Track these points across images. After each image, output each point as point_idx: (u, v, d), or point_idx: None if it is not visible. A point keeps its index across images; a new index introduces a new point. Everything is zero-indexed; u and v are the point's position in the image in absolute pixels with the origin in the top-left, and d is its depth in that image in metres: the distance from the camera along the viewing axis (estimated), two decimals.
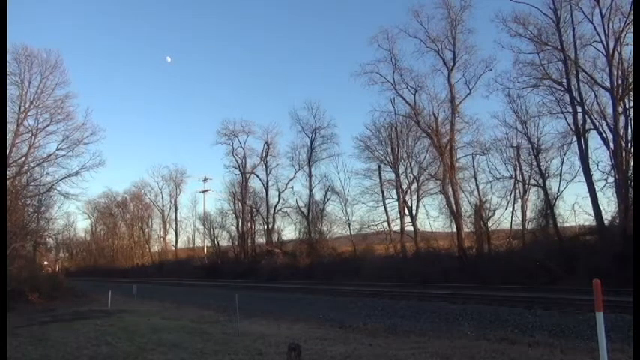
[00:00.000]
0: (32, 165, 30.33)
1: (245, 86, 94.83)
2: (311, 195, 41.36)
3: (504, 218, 29.06)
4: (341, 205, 39.41)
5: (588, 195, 23.37)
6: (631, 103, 22.17)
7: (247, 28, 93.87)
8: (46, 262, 60.08)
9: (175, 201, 64.11)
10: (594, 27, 23.53)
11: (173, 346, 8.69)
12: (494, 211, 29.20)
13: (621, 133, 22.35)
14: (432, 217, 34.41)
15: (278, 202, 45.06)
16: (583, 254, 19.63)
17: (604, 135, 23.31)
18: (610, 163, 22.99)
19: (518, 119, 27.39)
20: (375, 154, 36.91)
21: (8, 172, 25.65)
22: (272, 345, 8.37)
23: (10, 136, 27.42)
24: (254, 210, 47.24)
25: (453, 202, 29.88)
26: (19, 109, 29.37)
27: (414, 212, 34.31)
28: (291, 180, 44.08)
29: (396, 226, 35.26)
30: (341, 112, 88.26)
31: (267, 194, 46.11)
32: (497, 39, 30.65)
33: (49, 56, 30.62)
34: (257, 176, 47.52)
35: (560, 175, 26.38)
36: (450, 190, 30.04)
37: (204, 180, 60.63)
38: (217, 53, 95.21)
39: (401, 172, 35.46)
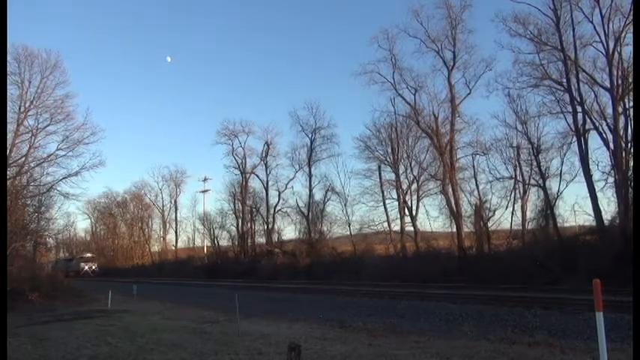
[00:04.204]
0: (32, 165, 30.37)
1: (245, 86, 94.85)
2: (311, 195, 41.39)
3: (504, 218, 29.07)
4: (341, 205, 39.42)
5: (588, 195, 23.37)
6: (631, 103, 22.16)
7: (247, 28, 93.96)
8: (86, 268, 58.39)
9: (175, 201, 64.26)
10: (594, 27, 23.53)
11: (173, 346, 8.69)
12: (494, 211, 29.21)
13: (621, 133, 22.33)
14: (432, 217, 34.37)
15: (278, 202, 45.11)
16: (583, 254, 19.60)
17: (604, 135, 23.31)
18: (610, 163, 22.98)
19: (518, 119, 27.37)
20: (375, 154, 36.91)
21: (8, 172, 25.65)
22: (272, 345, 8.37)
23: (10, 136, 27.44)
24: (254, 210, 47.25)
25: (453, 202, 29.87)
26: (19, 109, 29.40)
27: (414, 212, 34.35)
28: (291, 180, 44.11)
29: (396, 226, 35.29)
30: (341, 112, 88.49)
31: (267, 194, 46.15)
32: (497, 39, 30.57)
33: (49, 56, 30.67)
34: (257, 176, 47.57)
35: (560, 175, 26.38)
36: (450, 190, 30.03)
37: (205, 180, 60.73)
38: (217, 53, 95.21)
39: (401, 172, 35.49)
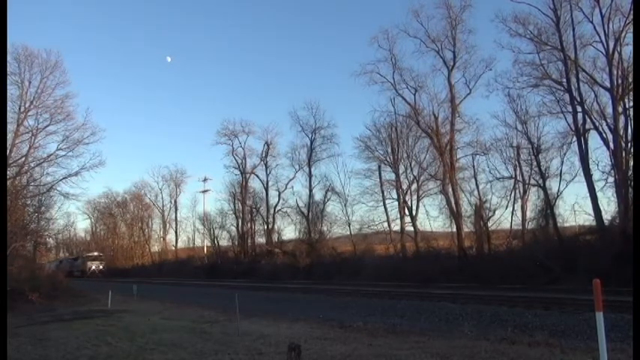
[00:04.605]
0: (32, 165, 30.38)
1: (245, 86, 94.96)
2: (311, 195, 41.44)
3: (504, 218, 29.10)
4: (341, 205, 39.48)
5: (588, 195, 23.40)
6: (631, 103, 22.18)
7: (247, 28, 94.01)
8: (94, 267, 56.39)
9: (175, 201, 64.31)
10: (594, 27, 23.57)
11: (173, 346, 8.69)
12: (494, 211, 29.24)
13: (621, 133, 22.35)
14: (432, 217, 34.39)
15: (278, 202, 45.20)
16: (583, 254, 19.61)
17: (604, 135, 23.33)
18: (610, 163, 23.01)
19: (518, 119, 27.42)
20: (375, 154, 36.97)
21: (8, 172, 25.65)
22: (272, 345, 8.37)
23: (10, 136, 27.47)
24: (254, 210, 47.27)
25: (453, 202, 29.87)
26: (19, 109, 29.42)
27: (414, 212, 34.37)
28: (291, 180, 44.20)
29: (396, 226, 35.32)
30: (341, 112, 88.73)
31: (267, 194, 46.20)
32: (497, 39, 30.46)
33: (49, 56, 30.69)
34: (257, 176, 47.64)
35: (560, 175, 26.41)
36: (450, 190, 30.03)
37: (204, 180, 60.75)
38: (217, 53, 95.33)
39: (401, 172, 35.51)
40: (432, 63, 31.82)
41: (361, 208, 38.30)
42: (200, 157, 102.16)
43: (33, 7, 79.54)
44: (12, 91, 28.71)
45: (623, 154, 22.10)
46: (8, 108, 26.29)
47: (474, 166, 30.93)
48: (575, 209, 25.17)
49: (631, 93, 21.72)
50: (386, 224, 35.55)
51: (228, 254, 48.86)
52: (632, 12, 20.50)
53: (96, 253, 61.75)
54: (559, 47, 24.41)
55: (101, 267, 57.95)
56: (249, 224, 47.79)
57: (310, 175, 41.61)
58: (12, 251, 21.91)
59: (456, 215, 29.64)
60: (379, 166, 36.50)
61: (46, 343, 9.64)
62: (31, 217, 32.11)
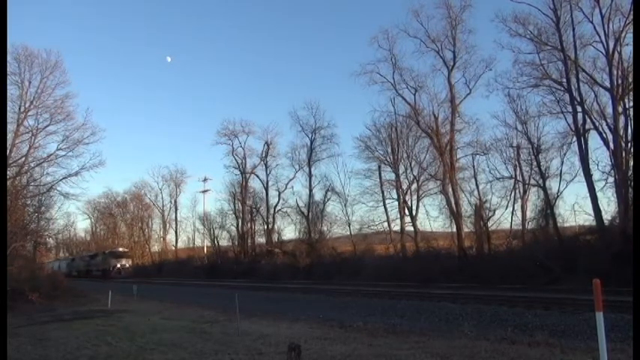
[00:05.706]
0: (32, 165, 30.43)
1: (245, 86, 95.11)
2: (311, 195, 41.47)
3: (504, 218, 29.14)
4: (341, 205, 39.53)
5: (588, 195, 23.39)
6: (631, 103, 22.17)
7: (247, 28, 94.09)
8: (119, 266, 50.06)
9: (175, 201, 64.34)
10: (594, 27, 23.56)
11: (173, 346, 8.69)
12: (494, 211, 29.28)
13: (621, 133, 22.34)
14: (432, 217, 34.46)
15: (278, 202, 45.26)
16: (583, 254, 19.61)
17: (604, 135, 23.32)
18: (610, 163, 23.01)
19: (518, 119, 27.44)
20: (375, 154, 37.01)
21: (8, 172, 25.66)
22: (272, 345, 8.37)
23: (10, 136, 27.50)
24: (254, 210, 47.29)
25: (453, 202, 29.87)
26: (19, 109, 29.46)
27: (414, 212, 34.38)
28: (291, 180, 44.26)
29: (396, 226, 35.37)
30: (341, 112, 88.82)
31: (267, 194, 46.22)
32: (497, 39, 30.52)
33: (49, 56, 30.75)
34: (257, 176, 47.68)
35: (560, 175, 26.44)
36: (450, 190, 30.03)
37: (204, 180, 60.72)
38: (217, 53, 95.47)
39: (401, 172, 35.53)
40: (432, 63, 31.92)
41: (361, 208, 38.41)
42: (200, 157, 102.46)
43: (33, 7, 79.68)
44: (12, 91, 28.80)
45: (623, 154, 22.10)
46: (8, 108, 26.37)
47: (474, 166, 31.02)
48: (575, 209, 25.24)
49: (631, 93, 21.71)
50: (386, 224, 35.65)
51: (228, 254, 48.87)
52: (632, 12, 20.50)
53: (121, 249, 54.54)
54: (559, 47, 24.40)
55: (127, 265, 51.08)
56: (249, 224, 47.83)
57: (310, 175, 41.72)
58: (12, 251, 21.92)
59: (456, 215, 29.64)
60: (379, 166, 36.58)
61: (46, 343, 9.65)
62: (31, 217, 32.15)
